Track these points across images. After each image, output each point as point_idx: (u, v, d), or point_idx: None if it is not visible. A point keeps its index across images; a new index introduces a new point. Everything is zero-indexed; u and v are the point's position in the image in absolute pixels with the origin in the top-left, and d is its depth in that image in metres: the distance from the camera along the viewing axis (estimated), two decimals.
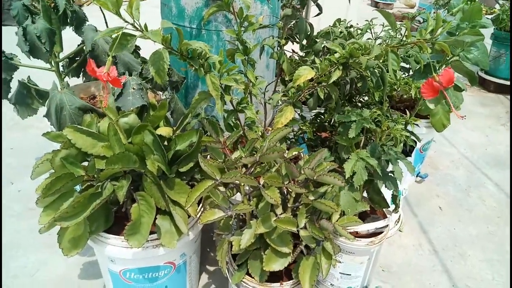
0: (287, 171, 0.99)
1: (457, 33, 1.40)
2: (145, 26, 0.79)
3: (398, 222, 1.84)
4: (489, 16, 3.92)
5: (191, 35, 1.58)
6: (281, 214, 1.02)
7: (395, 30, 0.98)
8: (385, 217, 1.43)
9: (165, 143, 1.19)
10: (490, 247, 1.75)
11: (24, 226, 1.64)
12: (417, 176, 2.17)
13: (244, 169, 1.07)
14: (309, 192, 1.05)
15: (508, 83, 3.56)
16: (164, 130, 1.18)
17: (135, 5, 0.76)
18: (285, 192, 1.10)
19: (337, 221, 1.06)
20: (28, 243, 1.56)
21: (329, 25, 1.79)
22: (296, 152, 1.10)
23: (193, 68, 0.90)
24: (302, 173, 0.99)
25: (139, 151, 1.06)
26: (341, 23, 1.80)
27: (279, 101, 1.29)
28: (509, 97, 3.54)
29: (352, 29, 1.87)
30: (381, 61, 1.11)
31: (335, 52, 1.06)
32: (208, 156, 1.15)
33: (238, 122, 1.16)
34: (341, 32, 1.37)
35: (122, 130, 1.14)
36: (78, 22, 1.35)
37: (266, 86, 1.48)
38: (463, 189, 2.18)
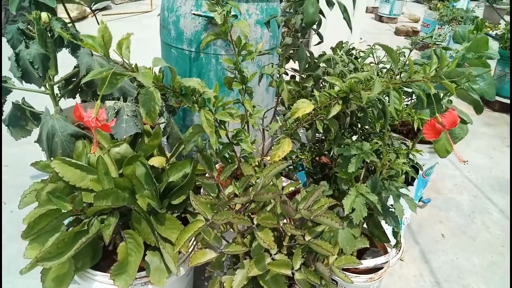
0: (283, 211, 0.95)
1: (463, 63, 1.36)
2: (136, 66, 0.75)
3: (399, 251, 1.79)
4: (493, 32, 3.88)
5: (190, 58, 1.55)
6: (276, 254, 0.98)
7: (396, 67, 0.94)
8: (385, 251, 1.38)
9: (159, 171, 1.15)
10: (494, 279, 1.69)
11: (14, 249, 1.60)
12: (419, 201, 2.12)
13: (238, 205, 1.03)
14: (306, 229, 1.01)
15: None
16: (157, 161, 1.14)
17: (125, 44, 0.72)
18: (281, 229, 1.06)
19: (334, 261, 1.02)
20: (18, 267, 1.51)
21: (331, 47, 1.76)
22: (293, 188, 1.05)
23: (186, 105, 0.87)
24: (298, 212, 0.95)
25: (129, 185, 1.02)
26: (343, 45, 1.77)
27: (278, 130, 1.25)
28: None
29: (354, 51, 1.84)
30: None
31: (335, 85, 1.03)
32: (202, 190, 1.12)
33: (233, 154, 1.12)
34: (342, 59, 1.34)
35: (113, 160, 1.10)
36: (74, 45, 1.32)
37: (265, 112, 1.44)
38: (467, 214, 2.12)
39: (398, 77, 1.66)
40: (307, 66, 1.38)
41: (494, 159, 2.75)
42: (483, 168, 2.62)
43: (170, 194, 1.10)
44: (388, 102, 1.01)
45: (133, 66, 0.75)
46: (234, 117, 0.97)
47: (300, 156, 1.33)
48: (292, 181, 1.49)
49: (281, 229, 1.03)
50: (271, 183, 1.00)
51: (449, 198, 2.25)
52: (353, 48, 1.82)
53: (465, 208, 2.18)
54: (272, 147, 1.09)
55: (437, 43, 4.70)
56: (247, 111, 1.16)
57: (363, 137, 1.41)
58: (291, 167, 1.45)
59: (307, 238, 0.97)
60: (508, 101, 3.52)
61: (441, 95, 1.50)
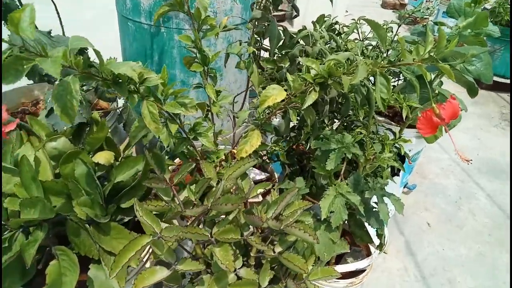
0: (247, 221, 0.79)
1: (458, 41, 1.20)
2: (43, 48, 0.57)
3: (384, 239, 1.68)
4: (485, 6, 3.72)
5: (149, 34, 1.35)
6: (241, 267, 0.83)
7: (385, 46, 0.78)
8: (368, 251, 1.26)
9: (110, 169, 0.98)
10: (480, 272, 1.61)
11: None
12: (404, 187, 2.01)
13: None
14: (277, 237, 0.87)
15: (502, 80, 3.40)
16: (102, 157, 0.97)
17: (25, 18, 0.54)
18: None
19: (309, 274, 0.88)
20: None
21: (312, 21, 1.57)
22: (262, 190, 0.90)
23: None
24: (266, 221, 0.80)
25: (65, 189, 0.85)
26: (325, 19, 1.59)
27: (248, 118, 1.09)
28: (502, 95, 3.39)
29: (337, 26, 1.66)
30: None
31: (311, 69, 0.86)
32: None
33: (193, 149, 0.95)
34: (322, 36, 1.16)
35: (48, 158, 0.92)
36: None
37: (236, 96, 1.27)
38: (453, 201, 2.02)
39: (386, 58, 1.50)
40: (281, 44, 1.20)
41: (482, 140, 2.65)
42: (471, 149, 2.52)
43: (119, 196, 0.94)
44: (374, 87, 0.85)
45: (39, 47, 0.57)
46: (189, 108, 0.80)
47: (274, 148, 1.17)
48: (266, 173, 1.33)
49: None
50: (235, 186, 0.85)
51: (435, 183, 2.15)
52: (336, 23, 1.64)
53: (451, 193, 2.07)
54: (239, 141, 0.93)
55: (425, 17, 4.52)
56: (209, 98, 0.99)
57: (345, 125, 1.26)
58: (265, 158, 1.29)
59: (278, 249, 0.83)
60: (497, 78, 3.40)
61: (432, 76, 1.35)
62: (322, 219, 0.94)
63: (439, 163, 2.33)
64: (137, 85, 0.72)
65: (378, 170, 1.15)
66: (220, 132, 1.09)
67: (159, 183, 0.82)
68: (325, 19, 1.59)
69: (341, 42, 1.62)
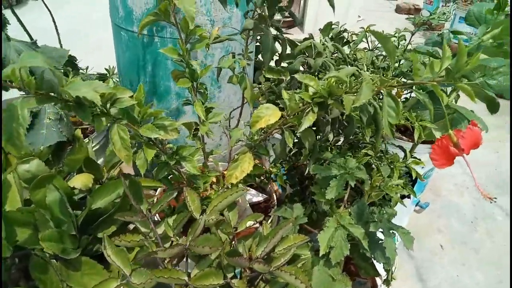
0: (230, 263, 0.69)
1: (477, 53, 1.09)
2: None
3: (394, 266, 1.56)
4: None
5: (142, 43, 1.26)
6: None
7: (393, 62, 0.67)
8: (374, 284, 1.15)
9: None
10: None
11: None
12: (416, 206, 1.88)
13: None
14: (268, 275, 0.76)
15: None
16: (79, 181, 0.88)
17: None
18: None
19: None
20: None
21: (319, 29, 1.47)
22: (252, 222, 0.80)
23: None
24: (253, 262, 0.70)
25: (31, 219, 0.76)
26: (333, 27, 1.48)
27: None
28: None
29: (346, 34, 1.56)
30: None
31: (309, 87, 0.76)
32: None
33: (178, 173, 0.86)
34: (325, 46, 1.06)
35: (19, 182, 0.84)
36: None
37: (234, 110, 1.18)
38: (469, 221, 1.88)
39: (397, 69, 1.38)
40: (285, 54, 1.10)
41: (501, 153, 2.50)
42: (488, 164, 2.37)
43: (96, 225, 0.85)
44: (381, 107, 0.74)
45: None
46: (169, 131, 0.70)
47: (271, 168, 1.07)
48: (265, 194, 1.23)
49: None
50: (218, 219, 0.75)
51: (449, 201, 2.01)
52: (345, 31, 1.53)
53: (466, 213, 1.94)
54: (228, 165, 0.83)
55: (440, 21, 4.37)
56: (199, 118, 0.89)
57: (351, 143, 1.15)
58: (263, 178, 1.19)
59: None
60: None
61: (448, 90, 1.23)
62: (320, 255, 0.84)
63: (453, 179, 2.20)
64: (107, 107, 0.63)
65: (386, 202, 1.04)
66: (212, 152, 0.99)
67: (133, 215, 0.72)
68: (333, 26, 1.49)
69: (350, 52, 1.52)
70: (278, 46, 1.07)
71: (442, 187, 2.12)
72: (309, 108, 0.74)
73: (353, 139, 1.10)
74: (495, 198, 0.67)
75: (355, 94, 0.70)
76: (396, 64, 1.49)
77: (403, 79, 1.46)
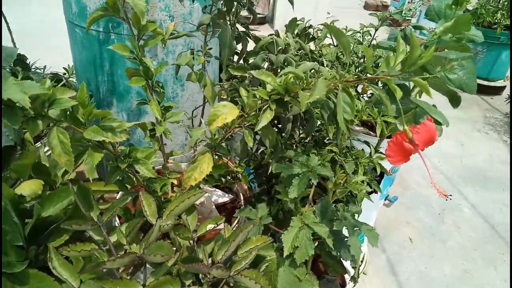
0: (187, 270, 0.66)
1: (437, 47, 1.09)
2: None
3: (362, 262, 1.57)
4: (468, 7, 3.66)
5: (99, 41, 1.21)
6: None
7: (348, 57, 0.66)
8: (343, 281, 1.14)
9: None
10: None
11: None
12: (385, 200, 1.90)
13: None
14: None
15: (485, 83, 3.34)
16: (27, 187, 0.83)
17: None
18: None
19: None
20: None
21: (285, 25, 1.45)
22: (213, 225, 0.77)
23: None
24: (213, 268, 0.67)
25: None
26: (298, 23, 1.47)
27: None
28: (485, 98, 3.33)
29: (311, 30, 1.55)
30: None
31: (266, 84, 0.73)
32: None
33: (133, 176, 0.81)
34: (286, 43, 1.03)
35: None
36: None
37: (197, 108, 1.14)
38: (436, 213, 1.92)
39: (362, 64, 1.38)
40: (248, 51, 1.07)
41: (465, 146, 2.57)
42: (454, 157, 2.43)
43: (46, 234, 0.79)
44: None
45: None
46: (118, 134, 0.66)
47: (235, 168, 1.04)
48: (231, 194, 1.20)
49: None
50: (175, 224, 0.71)
51: (417, 194, 2.05)
52: (310, 27, 1.52)
53: (434, 205, 1.98)
54: (186, 170, 0.80)
55: (407, 18, 4.45)
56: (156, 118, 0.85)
57: (316, 141, 1.14)
58: (230, 178, 1.16)
59: None
60: (480, 81, 3.34)
61: (411, 85, 1.23)
62: (284, 255, 0.81)
63: (421, 171, 2.24)
64: (45, 109, 0.58)
65: (352, 199, 1.03)
66: (171, 153, 0.96)
67: (83, 223, 0.68)
68: (298, 22, 1.48)
69: (316, 48, 1.51)
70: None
71: (411, 180, 2.15)
72: (267, 106, 0.72)
73: (318, 136, 1.08)
74: (451, 195, 0.67)
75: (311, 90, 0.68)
76: (362, 60, 1.49)
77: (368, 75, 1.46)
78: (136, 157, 0.75)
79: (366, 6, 5.86)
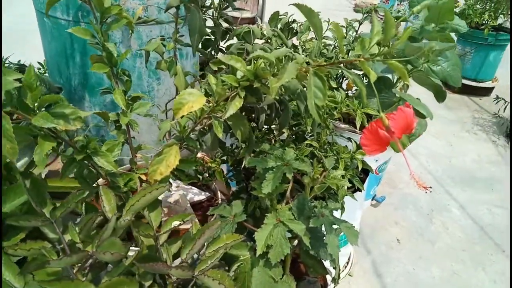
0: (146, 270, 0.60)
1: (420, 37, 1.06)
2: None
3: (348, 264, 1.52)
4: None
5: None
6: None
7: (320, 37, 0.61)
8: (324, 282, 1.09)
9: None
10: None
11: None
12: (372, 200, 1.85)
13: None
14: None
15: (473, 83, 3.33)
16: None
17: None
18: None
19: None
20: None
21: (268, 19, 1.41)
22: (178, 222, 0.71)
23: None
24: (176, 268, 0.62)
25: None
26: (280, 17, 1.42)
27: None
28: (474, 99, 3.31)
29: (295, 25, 1.50)
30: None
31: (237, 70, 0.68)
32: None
33: (94, 170, 0.76)
34: (263, 34, 0.99)
35: None
36: None
37: (168, 103, 1.08)
38: (425, 213, 1.88)
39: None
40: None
41: (454, 146, 2.54)
42: (443, 156, 2.40)
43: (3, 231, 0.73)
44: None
45: None
46: (71, 121, 0.61)
47: (210, 164, 0.99)
48: (208, 193, 1.15)
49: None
50: (132, 219, 0.66)
51: (405, 194, 2.01)
52: (294, 21, 1.48)
53: (423, 205, 1.94)
54: (150, 163, 0.74)
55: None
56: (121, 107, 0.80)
57: (296, 136, 1.09)
58: (207, 175, 1.11)
59: None
60: (468, 82, 3.33)
61: (395, 79, 1.20)
62: (257, 254, 0.76)
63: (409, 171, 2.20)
64: None
65: (331, 191, 0.98)
66: (140, 147, 0.90)
67: (32, 220, 0.62)
68: (281, 17, 1.43)
69: (299, 43, 1.46)
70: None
71: (399, 179, 2.12)
72: (235, 93, 0.67)
73: (298, 130, 1.03)
74: (430, 187, 0.62)
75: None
76: (346, 56, 1.45)
77: (353, 70, 1.42)
78: (95, 149, 0.69)
79: (356, 8, 5.86)
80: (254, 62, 0.66)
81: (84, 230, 0.60)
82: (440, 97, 1.16)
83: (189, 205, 1.08)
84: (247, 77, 0.66)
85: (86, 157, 0.68)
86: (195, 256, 0.71)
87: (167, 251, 0.66)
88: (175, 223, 0.71)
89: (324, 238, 0.85)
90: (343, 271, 1.47)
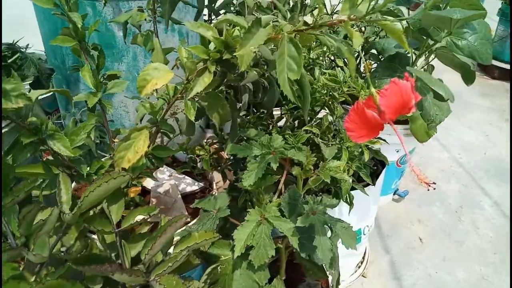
0: (90, 273, 0.52)
1: (444, 5, 0.90)
2: None
3: (361, 263, 1.40)
4: None
5: (60, 10, 1.07)
6: None
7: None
8: (326, 285, 0.98)
9: None
10: None
11: None
12: (394, 194, 1.71)
13: None
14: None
15: None
16: None
17: None
18: None
19: None
20: None
21: None
22: (142, 216, 0.62)
23: None
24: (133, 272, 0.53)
25: None
26: None
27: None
28: None
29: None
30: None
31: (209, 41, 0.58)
32: None
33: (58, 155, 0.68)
34: (258, 5, 0.87)
35: None
36: None
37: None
38: (453, 210, 1.71)
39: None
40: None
41: (490, 136, 2.32)
42: (477, 148, 2.19)
43: None
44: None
45: None
46: (12, 98, 0.53)
47: (198, 152, 0.90)
48: (202, 183, 1.06)
49: None
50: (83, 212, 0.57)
51: (432, 189, 1.84)
52: None
53: (451, 201, 1.76)
54: (116, 149, 0.66)
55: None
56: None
57: (298, 123, 0.98)
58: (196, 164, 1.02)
59: None
60: (509, 67, 3.04)
61: (414, 56, 1.05)
62: (235, 256, 0.66)
63: (439, 164, 2.02)
64: None
65: (338, 185, 0.86)
66: (119, 131, 0.82)
67: None
68: None
69: (286, 13, 1.33)
70: None
71: (427, 173, 1.94)
72: (204, 66, 0.57)
73: (298, 114, 0.92)
74: (434, 183, 0.50)
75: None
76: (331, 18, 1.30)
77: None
78: (51, 131, 0.61)
79: None
80: (226, 30, 0.56)
81: (24, 224, 0.53)
82: (468, 78, 1.01)
83: (179, 196, 0.99)
84: (218, 48, 0.56)
85: (40, 141, 0.60)
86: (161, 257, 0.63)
87: (125, 250, 0.58)
88: (139, 217, 0.62)
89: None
90: (356, 271, 1.35)
